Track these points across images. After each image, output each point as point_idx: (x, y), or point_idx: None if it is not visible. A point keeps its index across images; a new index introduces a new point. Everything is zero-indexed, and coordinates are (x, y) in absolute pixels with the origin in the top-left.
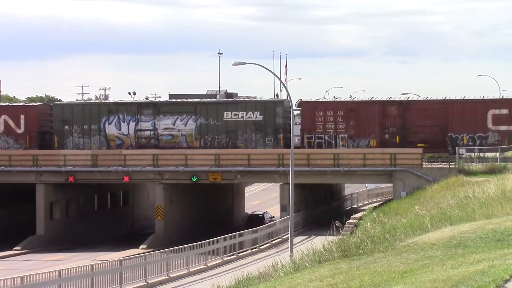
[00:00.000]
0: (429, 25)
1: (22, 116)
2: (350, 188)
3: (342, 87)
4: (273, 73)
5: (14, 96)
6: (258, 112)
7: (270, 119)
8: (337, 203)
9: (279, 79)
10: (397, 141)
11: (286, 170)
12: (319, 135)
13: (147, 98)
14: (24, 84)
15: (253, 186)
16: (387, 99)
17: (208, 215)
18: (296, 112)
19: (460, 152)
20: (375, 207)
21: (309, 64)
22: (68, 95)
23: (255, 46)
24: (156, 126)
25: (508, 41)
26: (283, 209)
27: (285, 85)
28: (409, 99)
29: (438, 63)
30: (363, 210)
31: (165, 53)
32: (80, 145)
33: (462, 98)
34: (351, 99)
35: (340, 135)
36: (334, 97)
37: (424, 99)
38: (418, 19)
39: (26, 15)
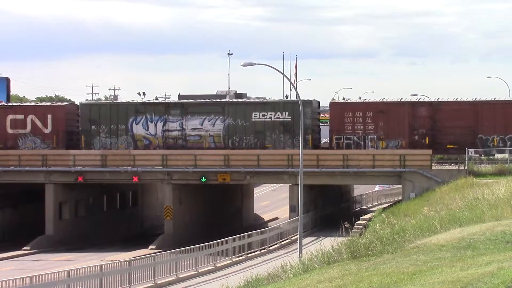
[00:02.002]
0: (439, 26)
1: (49, 116)
2: (359, 189)
3: (351, 88)
4: (282, 73)
5: (24, 96)
6: (287, 113)
7: (299, 120)
8: (346, 204)
9: (289, 79)
10: (427, 142)
11: (295, 171)
12: (348, 136)
13: (156, 99)
14: (34, 84)
15: (262, 186)
16: (417, 100)
17: (217, 215)
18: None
19: (470, 154)
20: (384, 208)
21: (318, 65)
22: (78, 95)
23: (265, 46)
24: (184, 127)
25: None
26: (292, 210)
27: (295, 86)
28: (439, 100)
29: (447, 64)
30: (372, 211)
31: (175, 54)
32: (107, 145)
33: (493, 99)
34: (381, 100)
35: (369, 136)
36: (343, 98)
37: (454, 100)
38: (428, 20)
39: (36, 15)
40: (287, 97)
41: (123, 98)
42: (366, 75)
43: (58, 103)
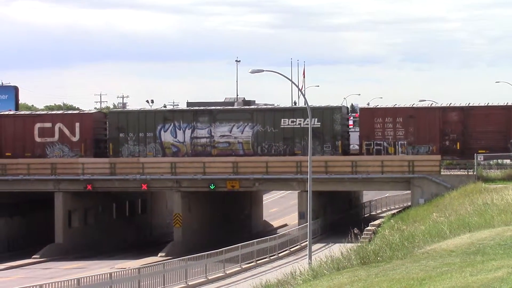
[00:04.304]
0: (445, 32)
1: (77, 124)
2: (368, 195)
3: (359, 94)
4: (290, 80)
5: (33, 105)
6: (316, 119)
7: (328, 126)
8: (355, 210)
9: (297, 86)
10: (458, 147)
11: (304, 178)
12: (378, 142)
13: (165, 106)
14: (43, 92)
15: (271, 193)
16: (448, 105)
17: (226, 222)
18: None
19: (479, 159)
20: (393, 214)
21: (326, 71)
22: (86, 103)
23: (272, 53)
24: (213, 134)
25: None
26: (301, 216)
27: (303, 92)
28: (470, 104)
29: (454, 70)
30: (381, 217)
31: (183, 61)
32: (135, 153)
33: None
34: (411, 105)
35: (399, 142)
36: (351, 104)
37: (486, 104)
38: (434, 26)
39: (43, 24)
40: (295, 103)
41: (132, 106)
42: (374, 81)
43: (86, 111)
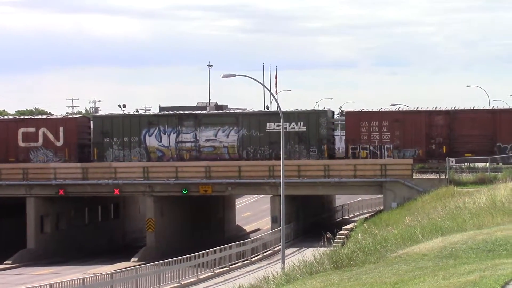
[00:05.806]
0: (419, 36)
1: (61, 129)
2: (340, 199)
3: (332, 99)
4: (263, 85)
5: (4, 110)
6: (302, 123)
7: (314, 130)
8: (328, 215)
9: (269, 91)
10: (444, 151)
11: (276, 182)
12: (364, 146)
13: (137, 111)
14: (14, 97)
15: (244, 198)
16: (434, 108)
17: (199, 227)
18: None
19: (451, 163)
20: (366, 218)
21: (299, 76)
22: (58, 108)
23: (245, 58)
24: (198, 138)
25: (498, 51)
26: (274, 220)
27: (275, 97)
28: (457, 108)
29: (428, 73)
30: (354, 221)
31: (155, 66)
32: (120, 158)
33: (511, 107)
34: (397, 109)
35: (385, 146)
36: (323, 108)
37: (472, 108)
38: (408, 30)
39: (14, 28)
40: (267, 108)
41: (104, 110)
42: (347, 85)
43: (70, 116)
